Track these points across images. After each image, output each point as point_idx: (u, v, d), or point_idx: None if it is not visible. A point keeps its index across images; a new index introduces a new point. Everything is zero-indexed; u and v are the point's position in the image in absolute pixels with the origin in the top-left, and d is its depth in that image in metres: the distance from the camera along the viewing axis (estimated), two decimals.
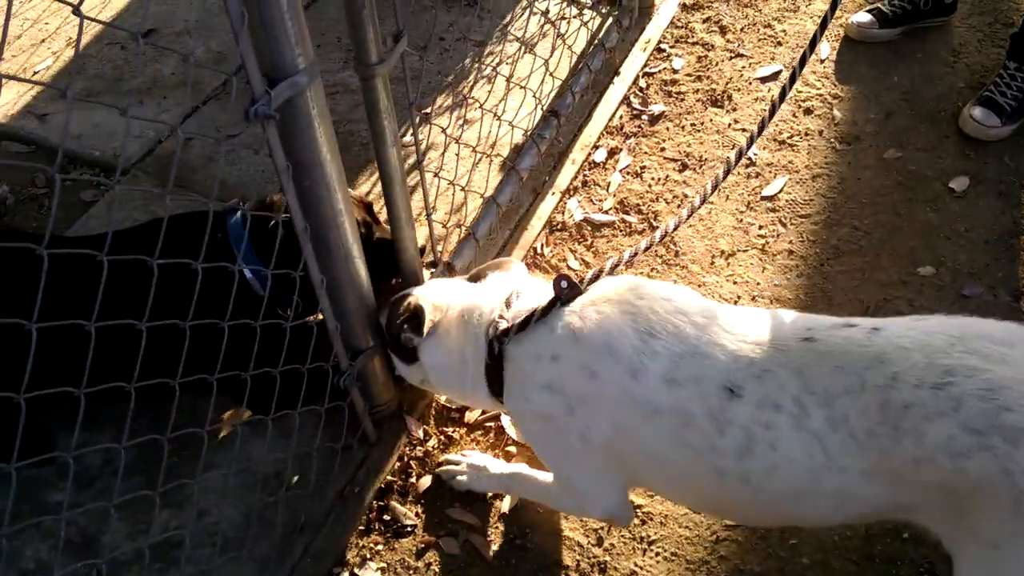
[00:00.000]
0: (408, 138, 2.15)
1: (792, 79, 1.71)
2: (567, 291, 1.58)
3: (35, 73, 3.21)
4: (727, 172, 1.72)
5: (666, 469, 1.53)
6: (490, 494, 2.01)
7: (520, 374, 1.62)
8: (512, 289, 1.72)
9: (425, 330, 1.72)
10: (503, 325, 1.64)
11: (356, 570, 1.91)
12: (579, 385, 1.52)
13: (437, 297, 1.78)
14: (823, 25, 1.71)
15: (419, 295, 1.78)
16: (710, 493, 1.51)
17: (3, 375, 1.51)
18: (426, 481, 2.05)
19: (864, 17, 3.08)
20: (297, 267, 1.70)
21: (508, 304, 1.68)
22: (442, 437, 2.13)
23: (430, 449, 2.10)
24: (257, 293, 1.90)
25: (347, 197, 1.63)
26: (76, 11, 0.91)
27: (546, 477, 1.86)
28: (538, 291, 1.71)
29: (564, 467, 1.70)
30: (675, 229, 1.75)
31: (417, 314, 1.72)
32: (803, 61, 1.69)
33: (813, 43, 1.69)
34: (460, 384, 1.77)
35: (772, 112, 1.70)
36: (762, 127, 1.67)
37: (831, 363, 1.35)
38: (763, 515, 1.60)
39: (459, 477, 2.01)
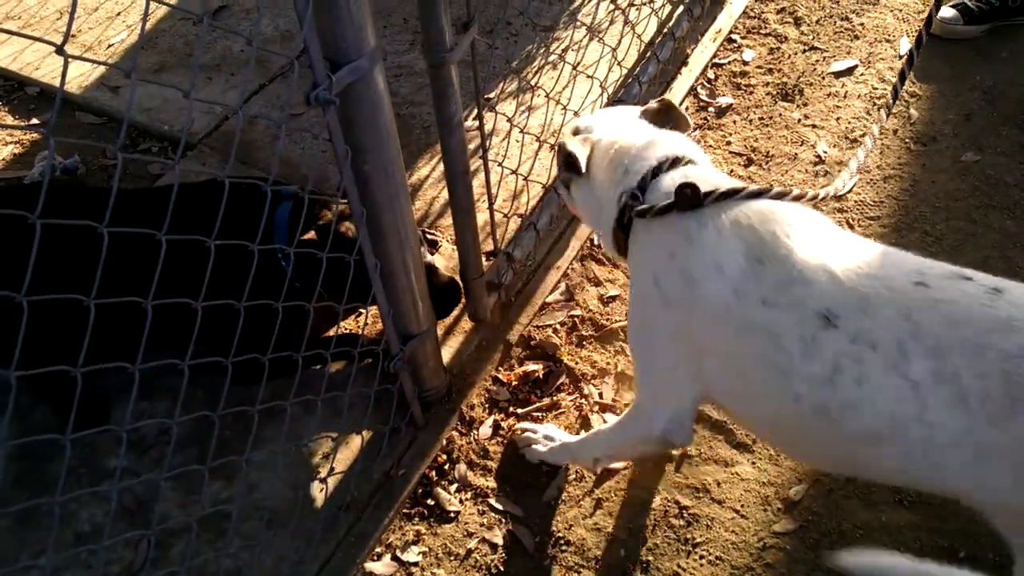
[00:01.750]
0: (471, 122, 2.13)
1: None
2: (686, 201, 1.48)
3: (110, 46, 3.29)
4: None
5: (746, 386, 1.49)
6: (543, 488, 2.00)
7: (640, 252, 1.61)
8: (667, 155, 1.62)
9: (583, 166, 1.68)
10: (637, 204, 1.58)
11: (398, 552, 1.92)
12: (680, 289, 1.49)
13: (602, 133, 1.73)
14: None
15: (587, 126, 1.76)
16: (785, 418, 1.46)
17: (59, 340, 1.55)
18: (472, 469, 2.05)
19: (948, 12, 2.95)
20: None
21: (656, 173, 1.59)
22: (492, 423, 2.12)
23: (478, 437, 2.10)
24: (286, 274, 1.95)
25: (404, 182, 1.63)
26: None
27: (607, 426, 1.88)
28: (696, 169, 1.61)
29: (645, 356, 1.68)
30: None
31: (571, 159, 1.68)
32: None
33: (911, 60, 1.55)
34: (596, 225, 1.79)
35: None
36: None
37: (945, 314, 1.27)
38: (830, 453, 1.52)
39: (535, 446, 2.03)
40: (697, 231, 1.48)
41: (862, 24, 3.07)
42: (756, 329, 1.40)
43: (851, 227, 2.46)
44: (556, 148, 1.77)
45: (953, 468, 1.29)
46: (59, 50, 0.93)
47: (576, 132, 1.75)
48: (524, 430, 2.07)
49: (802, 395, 1.37)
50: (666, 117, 1.76)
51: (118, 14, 3.44)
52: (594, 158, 1.70)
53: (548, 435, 2.04)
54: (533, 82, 2.79)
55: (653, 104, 1.77)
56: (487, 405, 2.16)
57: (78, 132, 2.98)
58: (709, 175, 1.59)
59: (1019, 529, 1.32)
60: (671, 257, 1.51)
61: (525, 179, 2.32)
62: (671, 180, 1.56)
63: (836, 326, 1.33)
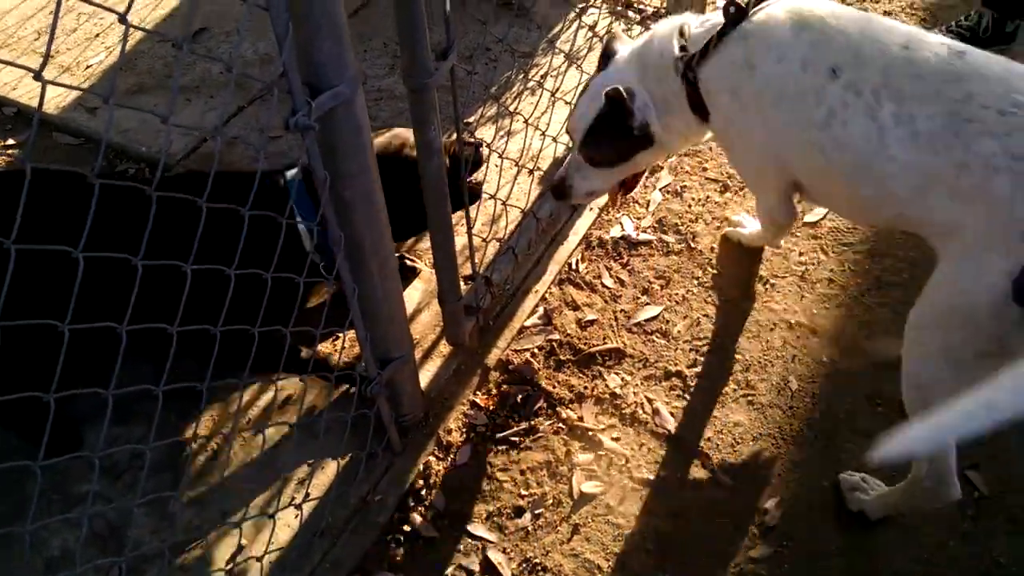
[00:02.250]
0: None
1: None
2: (735, 13, 1.77)
3: (88, 67, 3.28)
4: None
5: (796, 149, 1.78)
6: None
7: (719, 86, 1.84)
8: (674, 25, 1.92)
9: (636, 110, 1.93)
10: (686, 54, 1.86)
11: None
12: (753, 82, 1.77)
13: (620, 78, 1.96)
14: None
15: (610, 82, 1.94)
16: (816, 164, 1.75)
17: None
18: (449, 494, 2.04)
19: None
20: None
21: (683, 34, 1.89)
22: (470, 448, 2.12)
23: (456, 462, 2.09)
24: (305, 249, 1.94)
25: (384, 208, 1.63)
26: (122, 19, 0.92)
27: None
28: (697, 20, 1.93)
29: (751, 172, 2.04)
30: None
31: (619, 101, 1.90)
32: None
33: None
34: (682, 125, 1.98)
35: None
36: None
37: (914, 71, 1.58)
38: (837, 192, 1.83)
39: (740, 230, 2.49)
40: (754, 29, 1.76)
41: None
42: (801, 91, 1.69)
43: (825, 253, 2.49)
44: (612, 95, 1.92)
45: (906, 198, 1.61)
46: (37, 75, 0.92)
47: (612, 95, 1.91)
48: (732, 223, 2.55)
49: (813, 139, 1.69)
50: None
51: (97, 35, 3.43)
52: (636, 88, 1.94)
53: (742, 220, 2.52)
54: (512, 108, 2.81)
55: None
56: (464, 430, 2.15)
57: (55, 153, 2.96)
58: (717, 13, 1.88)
59: (943, 242, 1.61)
60: (744, 66, 1.77)
61: (504, 204, 2.33)
62: (701, 27, 1.87)
63: (838, 77, 1.64)
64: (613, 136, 1.99)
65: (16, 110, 3.15)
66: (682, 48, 1.87)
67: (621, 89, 1.88)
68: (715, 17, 1.86)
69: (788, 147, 1.80)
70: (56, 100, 3.10)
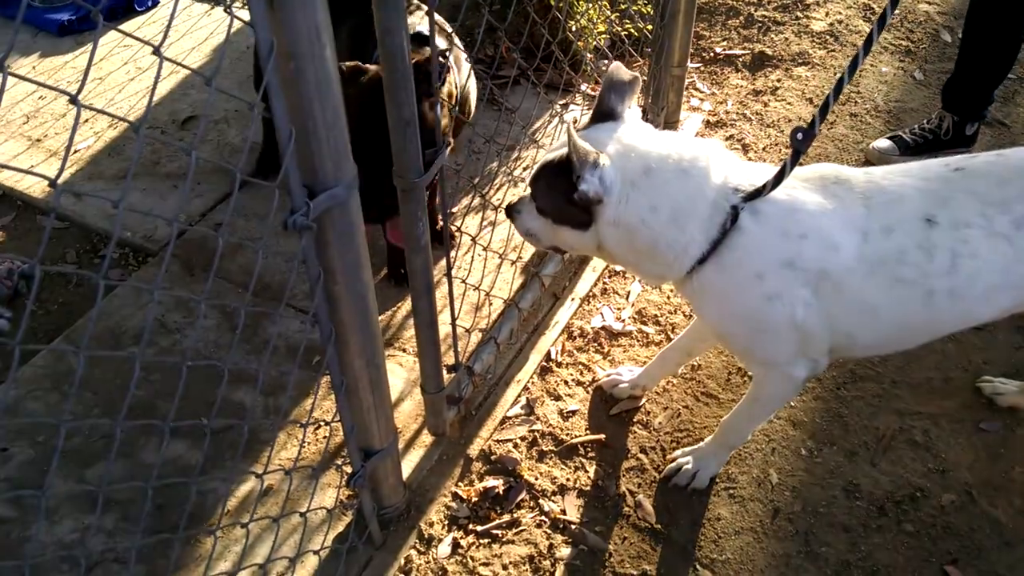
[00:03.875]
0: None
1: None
2: (803, 142, 1.58)
3: (76, 151, 3.32)
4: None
5: (878, 314, 1.73)
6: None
7: (756, 249, 1.66)
8: (729, 153, 1.75)
9: (610, 181, 1.61)
10: (744, 189, 1.65)
11: None
12: (822, 259, 1.66)
13: (627, 137, 1.68)
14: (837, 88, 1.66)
15: (594, 134, 1.69)
16: (914, 319, 1.75)
17: None
18: None
19: (884, 143, 3.16)
20: None
21: (737, 166, 1.71)
22: (451, 541, 2.10)
23: (436, 556, 2.07)
24: None
25: (374, 304, 1.66)
26: (73, 100, 0.93)
27: (737, 412, 2.05)
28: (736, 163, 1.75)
29: (770, 343, 1.78)
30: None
31: (595, 161, 1.59)
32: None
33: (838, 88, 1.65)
34: (663, 251, 1.68)
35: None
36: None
37: (992, 180, 1.67)
38: (956, 322, 1.84)
39: (621, 385, 2.31)
40: (815, 198, 1.67)
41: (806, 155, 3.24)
42: (885, 257, 1.66)
43: None
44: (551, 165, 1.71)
45: None
46: (52, 183, 0.95)
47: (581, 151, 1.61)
48: (607, 374, 2.41)
49: (934, 288, 1.67)
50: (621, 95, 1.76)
51: (85, 120, 3.48)
52: (644, 167, 1.65)
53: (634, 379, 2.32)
54: (495, 199, 2.88)
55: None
56: (446, 522, 2.14)
57: (39, 236, 2.98)
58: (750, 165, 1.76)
59: None
60: (803, 237, 1.65)
61: (487, 294, 2.37)
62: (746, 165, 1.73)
63: (938, 222, 1.65)
64: (557, 189, 1.69)
65: (1, 193, 3.17)
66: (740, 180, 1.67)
67: (592, 151, 1.60)
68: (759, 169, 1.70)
69: (867, 314, 1.73)
70: (41, 184, 3.13)
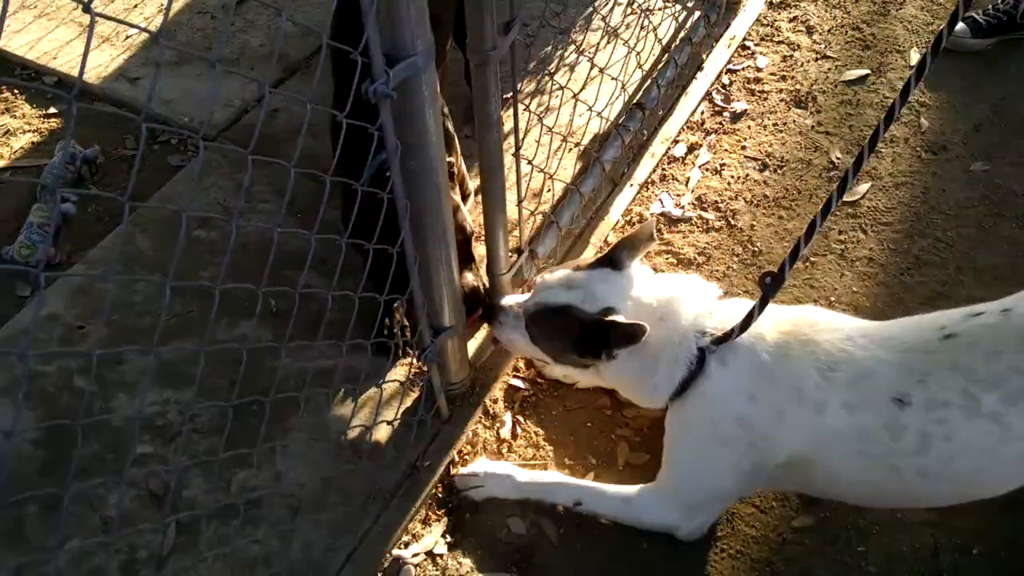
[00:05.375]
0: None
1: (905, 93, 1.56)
2: (771, 287, 1.57)
3: (127, 37, 3.30)
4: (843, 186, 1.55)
5: (837, 475, 1.66)
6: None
7: (713, 397, 1.71)
8: (707, 290, 1.79)
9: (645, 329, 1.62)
10: (713, 332, 1.69)
11: (425, 541, 1.95)
12: (766, 424, 1.65)
13: (638, 293, 1.74)
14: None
15: (617, 297, 1.73)
16: (879, 487, 1.67)
17: None
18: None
19: (957, 25, 3.01)
20: None
21: (709, 308, 1.75)
22: (511, 419, 2.16)
23: (499, 432, 2.13)
24: None
25: (446, 180, 1.66)
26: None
27: (600, 487, 1.94)
28: (723, 303, 1.79)
29: (697, 482, 1.80)
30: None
31: (635, 331, 1.62)
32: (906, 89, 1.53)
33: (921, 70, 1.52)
34: (641, 387, 1.81)
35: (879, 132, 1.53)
36: (873, 143, 1.49)
37: (983, 351, 1.51)
38: (935, 496, 1.72)
39: (478, 488, 1.99)
40: (770, 360, 1.63)
41: (872, 34, 3.13)
42: (844, 433, 1.59)
43: (864, 232, 2.51)
44: (586, 326, 1.72)
45: None
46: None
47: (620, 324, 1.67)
48: (459, 474, 2.03)
49: (901, 466, 1.57)
50: (631, 252, 1.79)
51: (135, 6, 3.44)
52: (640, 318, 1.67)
53: (493, 472, 2.01)
54: (555, 82, 2.83)
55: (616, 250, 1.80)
56: (508, 400, 2.19)
57: (96, 122, 3.00)
58: (726, 306, 1.77)
59: None
60: (752, 399, 1.66)
61: (551, 176, 2.36)
62: (723, 308, 1.75)
63: (910, 403, 1.53)
64: (562, 339, 1.78)
65: (57, 79, 3.17)
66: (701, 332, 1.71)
67: (634, 324, 1.63)
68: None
69: (825, 476, 1.69)
70: (97, 70, 3.13)
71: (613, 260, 1.78)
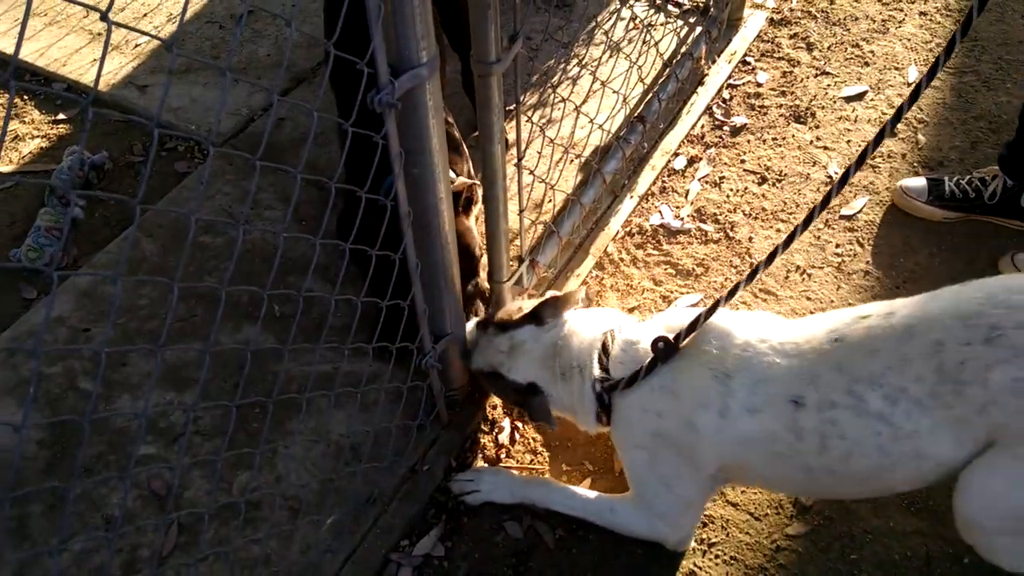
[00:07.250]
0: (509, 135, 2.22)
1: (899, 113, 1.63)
2: (664, 351, 1.70)
3: (136, 46, 3.35)
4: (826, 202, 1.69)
5: (766, 475, 1.74)
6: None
7: (628, 420, 1.81)
8: (604, 330, 1.87)
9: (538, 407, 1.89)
10: (607, 380, 1.82)
11: (423, 545, 1.97)
12: (682, 435, 1.72)
13: (545, 354, 1.90)
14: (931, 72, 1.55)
15: (530, 368, 1.92)
16: (806, 485, 1.75)
17: None
18: (494, 466, 2.11)
19: (917, 183, 2.64)
20: None
21: (606, 351, 1.84)
22: (510, 425, 2.19)
23: (498, 438, 2.16)
24: None
25: (449, 188, 1.70)
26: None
27: (591, 494, 1.99)
28: (627, 329, 1.87)
29: (658, 491, 1.85)
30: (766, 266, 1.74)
31: (546, 416, 1.87)
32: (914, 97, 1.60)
33: (932, 72, 1.54)
34: (577, 420, 1.95)
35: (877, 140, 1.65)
36: (862, 158, 1.64)
37: (864, 351, 1.53)
38: (854, 491, 1.78)
39: (476, 492, 2.04)
40: (673, 381, 1.71)
41: (872, 51, 3.17)
42: (753, 437, 1.64)
43: (860, 245, 2.54)
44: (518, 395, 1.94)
45: (945, 453, 1.51)
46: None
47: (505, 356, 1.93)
48: (455, 479, 2.09)
49: (811, 466, 1.61)
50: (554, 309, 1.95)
51: (145, 15, 3.50)
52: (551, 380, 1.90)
53: (488, 477, 2.06)
54: (557, 94, 2.87)
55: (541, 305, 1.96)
56: (507, 407, 2.22)
57: (104, 128, 3.04)
58: (640, 327, 1.86)
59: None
60: (660, 415, 1.74)
61: (552, 187, 2.40)
62: (622, 352, 1.82)
63: (804, 404, 1.57)
64: (500, 389, 2.01)
65: (66, 86, 3.22)
66: (604, 371, 1.82)
67: (537, 386, 1.89)
68: (638, 332, 1.83)
69: (754, 473, 1.75)
70: (106, 78, 3.18)
71: (537, 317, 1.93)
